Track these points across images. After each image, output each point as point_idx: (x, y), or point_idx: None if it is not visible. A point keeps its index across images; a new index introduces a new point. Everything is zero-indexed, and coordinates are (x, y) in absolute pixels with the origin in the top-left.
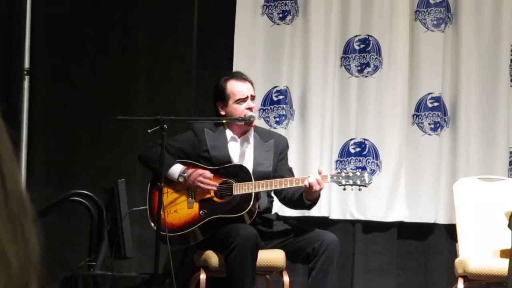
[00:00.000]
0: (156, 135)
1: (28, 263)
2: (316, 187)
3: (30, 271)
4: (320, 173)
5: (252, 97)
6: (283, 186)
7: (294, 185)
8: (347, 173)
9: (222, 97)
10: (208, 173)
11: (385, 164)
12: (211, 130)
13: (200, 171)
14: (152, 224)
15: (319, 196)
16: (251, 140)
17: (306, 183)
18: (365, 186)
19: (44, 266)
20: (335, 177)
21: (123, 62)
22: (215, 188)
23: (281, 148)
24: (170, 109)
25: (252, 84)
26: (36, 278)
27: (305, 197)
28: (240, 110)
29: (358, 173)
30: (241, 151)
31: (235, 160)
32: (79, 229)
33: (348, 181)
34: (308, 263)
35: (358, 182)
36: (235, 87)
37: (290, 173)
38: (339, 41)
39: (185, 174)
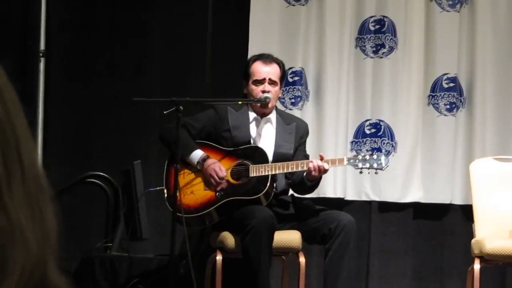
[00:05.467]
0: (172, 116)
1: (46, 241)
2: (315, 173)
3: (48, 250)
4: (322, 159)
5: (271, 81)
6: (299, 169)
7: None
8: (364, 156)
9: (246, 76)
10: (223, 168)
11: (401, 145)
12: (234, 109)
13: (217, 164)
14: (168, 205)
15: (320, 178)
16: (274, 121)
17: (311, 165)
18: (381, 169)
19: (61, 247)
20: (351, 160)
21: (139, 43)
22: (224, 186)
23: (302, 132)
24: (185, 90)
25: (280, 66)
26: (54, 257)
27: (306, 178)
28: (255, 91)
29: (375, 156)
30: (263, 132)
31: (256, 141)
32: (95, 210)
33: (364, 164)
34: (325, 244)
35: (375, 165)
36: (256, 68)
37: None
38: (354, 22)
39: (204, 162)
